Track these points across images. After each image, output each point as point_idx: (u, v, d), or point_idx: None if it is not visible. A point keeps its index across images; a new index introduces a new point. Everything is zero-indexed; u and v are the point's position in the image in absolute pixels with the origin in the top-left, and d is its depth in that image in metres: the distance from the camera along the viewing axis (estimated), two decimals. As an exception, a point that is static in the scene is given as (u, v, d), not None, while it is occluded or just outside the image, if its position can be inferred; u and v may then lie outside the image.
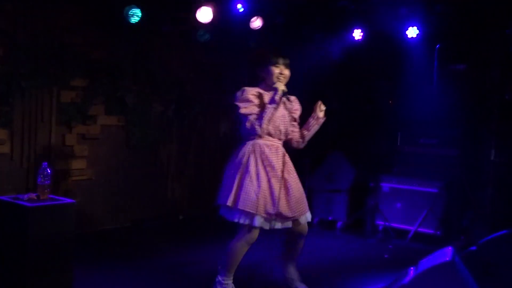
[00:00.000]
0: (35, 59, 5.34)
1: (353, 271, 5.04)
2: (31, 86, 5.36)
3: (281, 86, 3.87)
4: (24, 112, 5.38)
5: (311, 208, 6.57)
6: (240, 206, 3.75)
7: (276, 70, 3.89)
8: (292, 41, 7.04)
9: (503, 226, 5.28)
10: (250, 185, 3.77)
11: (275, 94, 3.84)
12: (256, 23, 6.19)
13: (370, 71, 7.28)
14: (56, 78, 5.53)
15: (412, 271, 3.10)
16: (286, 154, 4.01)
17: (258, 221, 3.78)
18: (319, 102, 4.09)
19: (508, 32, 5.62)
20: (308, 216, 4.06)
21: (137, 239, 5.89)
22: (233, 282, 4.00)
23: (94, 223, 5.99)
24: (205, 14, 5.68)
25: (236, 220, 3.82)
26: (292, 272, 4.18)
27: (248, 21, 6.25)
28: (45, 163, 4.12)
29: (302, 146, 4.19)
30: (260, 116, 3.81)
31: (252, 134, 3.90)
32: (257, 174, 3.81)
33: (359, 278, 4.80)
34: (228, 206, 3.81)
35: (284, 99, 3.89)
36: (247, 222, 3.79)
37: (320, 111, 4.07)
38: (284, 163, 3.92)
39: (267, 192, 3.80)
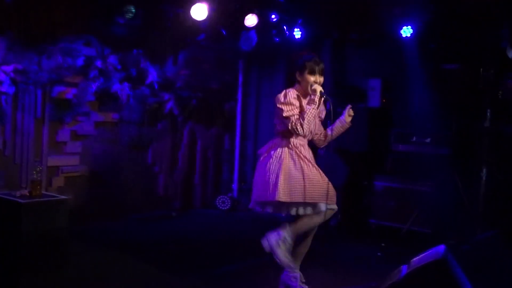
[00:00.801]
0: (28, 55, 5.31)
1: (346, 269, 5.05)
2: (25, 82, 5.34)
3: (318, 88, 4.03)
4: (17, 108, 5.36)
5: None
6: (298, 198, 3.89)
7: (312, 78, 4.05)
8: (287, 40, 7.05)
9: (495, 225, 5.33)
10: (300, 177, 3.93)
11: (313, 95, 4.01)
12: (251, 20, 6.18)
13: (364, 70, 7.29)
14: (50, 74, 5.50)
15: (404, 269, 3.11)
16: (310, 150, 4.19)
17: (324, 206, 3.98)
18: (349, 107, 4.30)
19: (501, 32, 5.64)
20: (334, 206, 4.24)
21: (130, 235, 5.88)
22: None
23: (86, 220, 5.96)
24: (199, 11, 5.66)
25: (293, 214, 3.96)
26: (296, 271, 4.20)
27: (240, 18, 6.24)
28: (38, 160, 4.12)
29: (322, 145, 4.41)
30: (301, 118, 3.95)
31: (290, 133, 4.03)
32: (306, 165, 3.98)
33: (352, 276, 4.82)
34: (280, 200, 3.90)
35: (322, 100, 4.07)
36: (308, 212, 3.97)
37: (349, 115, 4.29)
38: (313, 160, 4.13)
39: (318, 179, 3.99)
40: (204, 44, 6.62)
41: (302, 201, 3.92)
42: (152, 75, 6.46)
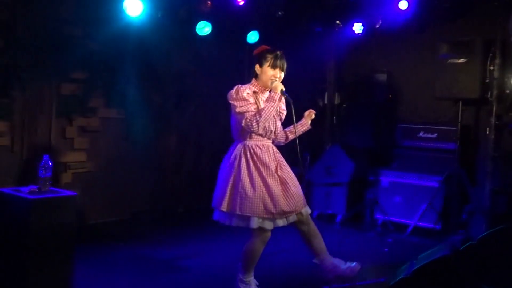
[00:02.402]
0: (35, 51, 5.33)
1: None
2: (31, 78, 5.35)
3: (279, 85, 3.88)
4: (25, 105, 5.38)
5: (310, 201, 6.62)
6: (236, 210, 3.77)
7: (271, 72, 3.91)
8: (292, 35, 7.04)
9: (502, 220, 5.32)
10: (243, 188, 3.78)
11: (273, 92, 3.85)
12: None
13: (370, 65, 7.28)
14: (56, 71, 5.52)
15: (412, 265, 3.12)
16: (278, 152, 4.04)
17: (256, 223, 3.78)
18: (312, 111, 4.16)
19: (508, 24, 5.62)
20: (307, 209, 4.08)
21: (136, 231, 5.90)
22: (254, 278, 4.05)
23: (93, 216, 5.99)
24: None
25: (233, 224, 3.84)
26: (330, 261, 4.15)
27: (248, 14, 6.24)
28: (46, 156, 4.13)
29: (281, 145, 4.21)
30: (258, 114, 3.78)
31: (245, 134, 3.90)
32: (251, 176, 3.81)
33: (359, 272, 4.81)
34: (223, 211, 3.83)
35: (283, 98, 3.92)
36: (245, 225, 3.81)
37: (310, 118, 4.15)
38: (277, 161, 3.95)
39: (264, 192, 3.79)
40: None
41: (239, 213, 3.77)
42: (159, 70, 6.47)
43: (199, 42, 6.56)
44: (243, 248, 3.98)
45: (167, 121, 6.68)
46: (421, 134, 6.62)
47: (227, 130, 7.28)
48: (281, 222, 3.89)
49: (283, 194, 3.85)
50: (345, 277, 4.11)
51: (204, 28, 6.18)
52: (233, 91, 3.87)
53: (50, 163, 4.11)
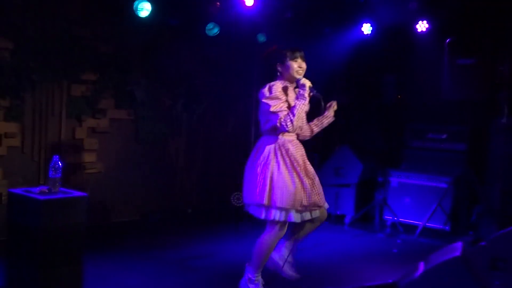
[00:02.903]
0: (45, 53, 5.37)
1: (361, 266, 5.05)
2: (42, 79, 5.40)
3: (307, 82, 3.94)
4: (35, 106, 5.42)
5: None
6: (278, 203, 3.82)
7: (295, 65, 3.96)
8: (301, 36, 7.04)
9: (511, 221, 5.29)
10: (283, 182, 3.84)
11: (302, 90, 3.91)
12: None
13: (379, 66, 7.26)
14: (66, 72, 5.56)
15: (421, 266, 3.11)
16: (303, 147, 4.10)
17: (295, 216, 3.87)
18: (334, 103, 4.19)
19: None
20: (327, 205, 4.17)
21: (146, 232, 5.93)
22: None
23: (103, 216, 6.02)
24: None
25: (271, 218, 3.86)
26: (290, 255, 4.19)
27: (257, 15, 6.24)
28: (56, 156, 4.15)
29: (308, 138, 4.27)
30: (291, 113, 3.84)
31: (280, 131, 3.93)
32: (288, 171, 3.88)
33: (368, 273, 4.81)
34: (263, 204, 3.85)
35: (311, 94, 3.96)
36: (283, 218, 3.86)
37: (333, 110, 4.19)
38: (304, 156, 4.04)
39: (299, 186, 3.87)
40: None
41: (279, 206, 3.82)
42: (169, 71, 6.49)
43: (208, 43, 6.58)
44: (256, 243, 3.98)
45: (177, 122, 6.70)
46: (430, 135, 6.60)
47: (236, 131, 7.35)
48: (307, 216, 3.97)
49: (314, 187, 3.95)
50: (282, 274, 4.15)
51: (213, 29, 6.20)
52: (266, 89, 3.90)
53: (60, 164, 4.13)
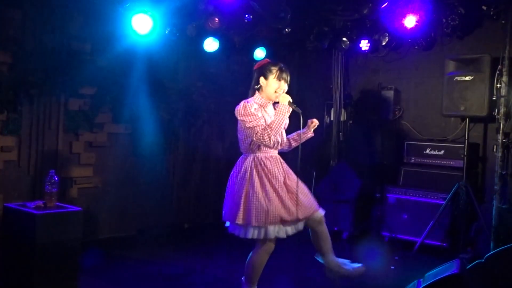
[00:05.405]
0: (43, 67, 5.37)
1: (358, 283, 5.01)
2: (39, 93, 5.39)
3: (287, 97, 3.95)
4: (32, 120, 5.41)
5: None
6: (253, 222, 3.82)
7: (276, 84, 3.99)
8: (299, 52, 7.07)
9: (510, 238, 5.27)
10: (257, 201, 3.84)
11: (281, 105, 3.92)
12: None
13: (376, 82, 7.28)
14: (64, 86, 5.56)
15: (419, 284, 3.09)
16: (284, 162, 4.11)
17: (272, 232, 3.87)
18: (315, 120, 4.19)
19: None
20: (321, 212, 4.16)
21: (142, 247, 5.89)
22: None
23: (99, 231, 5.99)
24: None
25: (250, 236, 3.88)
26: (335, 261, 4.22)
27: (255, 31, 6.27)
28: (52, 171, 4.14)
29: (285, 151, 4.27)
30: (268, 127, 3.84)
31: (254, 147, 3.95)
32: (264, 188, 3.88)
33: (363, 274, 4.77)
34: (238, 223, 3.86)
35: (290, 109, 3.95)
36: (261, 236, 3.87)
37: (313, 127, 4.18)
38: (284, 172, 4.03)
39: (278, 203, 3.87)
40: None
41: (255, 225, 3.83)
42: (166, 86, 6.50)
43: (206, 58, 6.60)
44: (247, 260, 4.02)
45: (174, 136, 6.70)
46: (428, 151, 6.60)
47: (234, 146, 7.33)
48: (290, 231, 3.97)
49: (292, 202, 3.93)
50: (349, 277, 4.19)
51: (211, 45, 6.22)
52: (240, 107, 3.91)
53: (56, 178, 4.12)
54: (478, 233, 5.84)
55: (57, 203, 4.15)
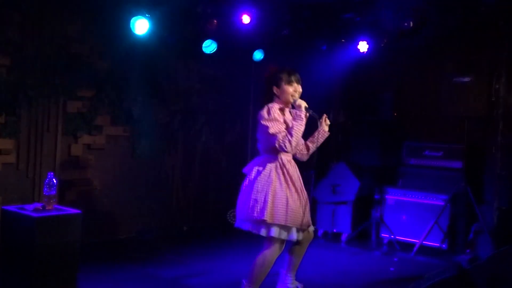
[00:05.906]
0: (42, 69, 5.36)
1: (358, 284, 5.01)
2: (38, 96, 5.38)
3: (303, 103, 4.01)
4: (31, 122, 5.39)
5: (316, 219, 6.60)
6: (281, 221, 3.86)
7: (290, 89, 4.05)
8: (298, 53, 7.06)
9: (510, 240, 5.27)
10: (286, 200, 3.89)
11: (299, 111, 3.98)
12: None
13: (375, 83, 7.28)
14: (63, 88, 5.55)
15: (418, 285, 3.09)
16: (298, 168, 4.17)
17: (294, 233, 3.95)
18: (325, 116, 4.24)
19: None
20: (312, 227, 4.25)
21: (141, 249, 5.88)
22: None
23: (98, 234, 5.97)
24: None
25: (273, 235, 3.89)
26: (295, 282, 4.29)
27: (254, 32, 6.27)
28: (51, 173, 4.13)
29: (305, 158, 4.33)
30: (288, 134, 3.90)
31: (277, 150, 3.98)
32: (290, 190, 3.96)
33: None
34: (263, 220, 3.86)
35: (307, 115, 4.02)
36: (284, 236, 3.92)
37: (326, 125, 4.23)
38: (299, 176, 4.10)
39: (298, 206, 3.95)
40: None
41: (283, 223, 3.87)
42: (165, 88, 6.50)
43: (205, 60, 6.60)
44: (256, 260, 4.00)
45: (173, 138, 6.69)
46: (427, 152, 6.60)
47: (233, 148, 7.34)
48: (301, 236, 4.06)
49: (306, 209, 4.02)
50: None
51: (210, 47, 6.22)
52: (264, 111, 3.98)
53: (55, 181, 4.11)
54: (478, 235, 5.84)
55: (56, 206, 4.14)
